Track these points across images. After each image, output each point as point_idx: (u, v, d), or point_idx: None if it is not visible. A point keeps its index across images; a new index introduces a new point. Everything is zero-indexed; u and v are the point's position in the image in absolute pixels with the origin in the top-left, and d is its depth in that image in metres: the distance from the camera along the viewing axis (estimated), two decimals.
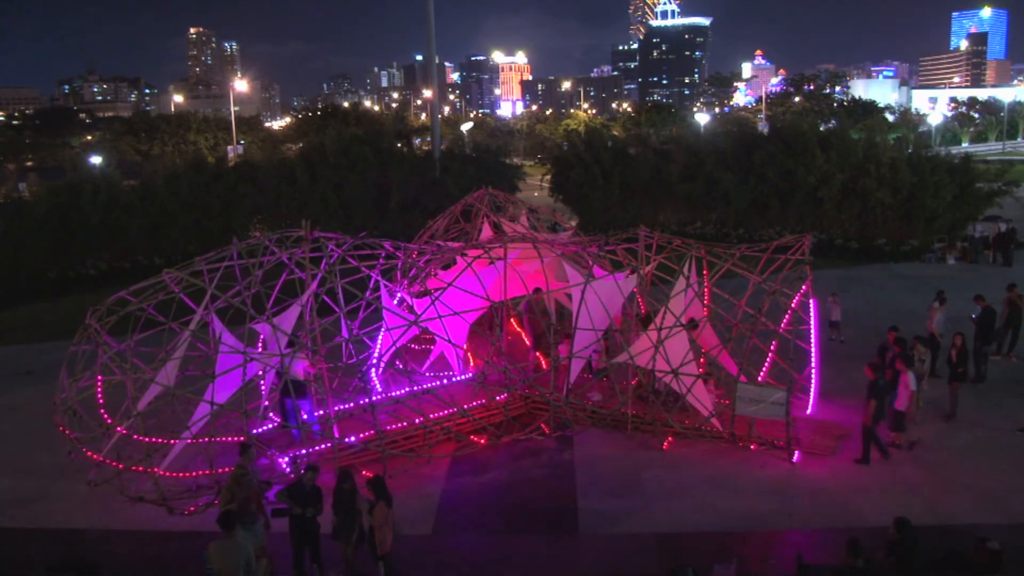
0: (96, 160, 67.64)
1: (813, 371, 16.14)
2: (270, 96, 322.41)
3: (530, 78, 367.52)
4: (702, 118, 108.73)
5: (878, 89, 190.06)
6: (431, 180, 37.74)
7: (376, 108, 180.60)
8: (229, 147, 77.98)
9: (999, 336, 19.48)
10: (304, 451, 14.49)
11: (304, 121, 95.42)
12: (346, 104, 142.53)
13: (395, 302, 17.61)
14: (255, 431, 15.09)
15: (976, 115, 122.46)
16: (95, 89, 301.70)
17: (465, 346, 18.41)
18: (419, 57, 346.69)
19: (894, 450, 14.76)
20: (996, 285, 22.95)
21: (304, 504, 11.02)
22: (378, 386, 17.25)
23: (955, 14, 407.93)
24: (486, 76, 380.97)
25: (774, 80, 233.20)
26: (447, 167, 39.59)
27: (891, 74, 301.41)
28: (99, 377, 14.60)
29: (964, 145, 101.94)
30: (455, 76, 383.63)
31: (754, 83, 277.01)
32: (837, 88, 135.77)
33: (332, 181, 36.86)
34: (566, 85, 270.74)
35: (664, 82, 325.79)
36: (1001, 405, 17.05)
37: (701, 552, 11.81)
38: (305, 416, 15.26)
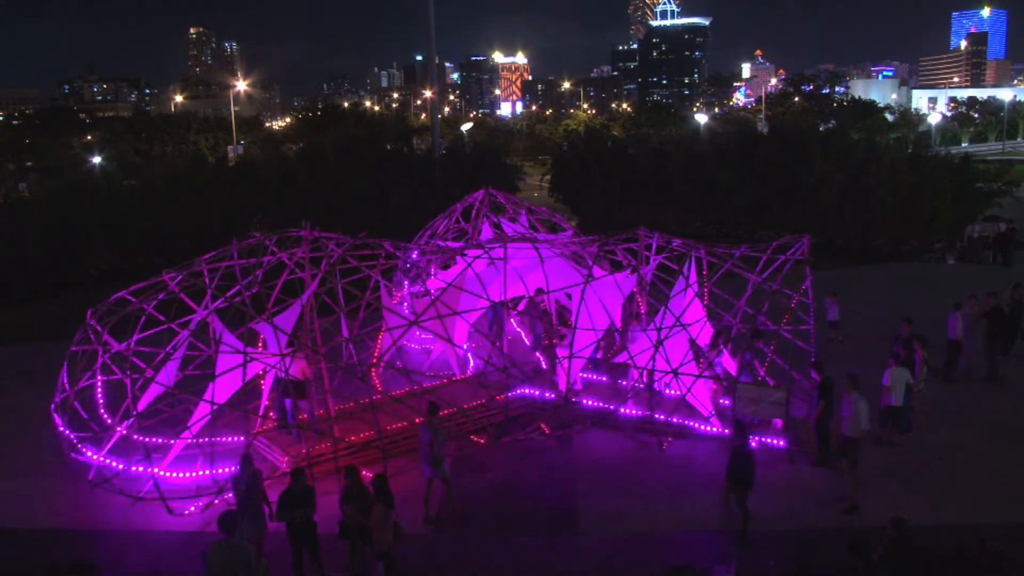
0: (96, 160, 67.81)
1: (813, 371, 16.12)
2: (270, 96, 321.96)
3: (530, 78, 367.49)
4: (701, 118, 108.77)
5: (878, 89, 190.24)
6: (431, 180, 37.76)
7: (376, 108, 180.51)
8: (229, 147, 77.96)
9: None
10: (305, 451, 14.49)
11: (304, 121, 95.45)
12: (346, 104, 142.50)
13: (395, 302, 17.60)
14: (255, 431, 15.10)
15: (976, 115, 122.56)
16: (95, 89, 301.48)
17: (465, 346, 18.41)
18: (419, 57, 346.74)
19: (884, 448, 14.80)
20: (995, 285, 22.92)
21: (294, 507, 11.03)
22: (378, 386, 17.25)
23: (955, 14, 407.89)
24: (486, 76, 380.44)
25: (773, 80, 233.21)
26: (447, 167, 39.62)
27: (891, 74, 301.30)
28: (99, 377, 14.59)
29: (964, 145, 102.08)
30: (455, 76, 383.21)
31: (754, 83, 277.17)
32: (837, 88, 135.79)
33: (332, 181, 36.87)
34: (566, 85, 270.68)
35: (664, 82, 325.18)
36: (1000, 404, 17.07)
37: (701, 552, 11.81)
38: (304, 416, 15.25)
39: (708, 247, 17.28)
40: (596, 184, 40.07)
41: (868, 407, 13.32)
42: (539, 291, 18.04)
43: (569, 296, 18.08)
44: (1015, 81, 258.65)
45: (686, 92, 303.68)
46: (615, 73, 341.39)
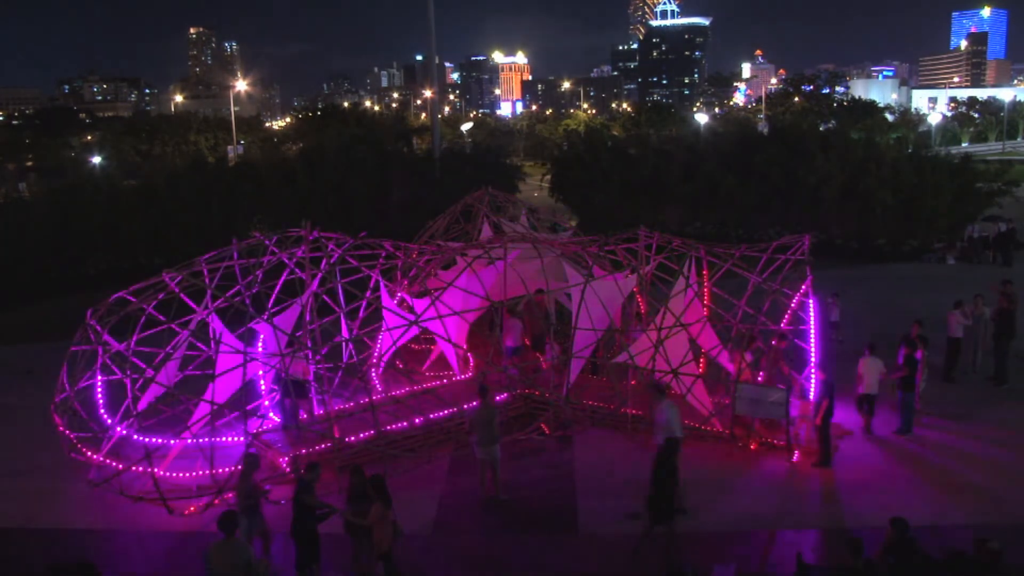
0: (96, 160, 67.84)
1: (813, 371, 16.12)
2: (270, 96, 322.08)
3: (530, 78, 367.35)
4: (702, 118, 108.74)
5: (878, 89, 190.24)
6: (431, 180, 37.77)
7: (376, 108, 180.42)
8: (229, 147, 77.91)
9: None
10: (304, 451, 14.49)
11: (304, 121, 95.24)
12: (346, 104, 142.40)
13: (395, 302, 17.59)
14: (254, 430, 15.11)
15: (976, 115, 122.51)
16: (95, 89, 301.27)
17: (465, 346, 18.40)
18: (419, 57, 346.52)
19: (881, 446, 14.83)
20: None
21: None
22: (378, 386, 17.24)
23: (955, 14, 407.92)
24: (486, 76, 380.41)
25: (774, 80, 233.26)
26: (447, 167, 39.61)
27: (891, 74, 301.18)
28: (99, 377, 14.59)
29: (964, 145, 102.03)
30: (455, 76, 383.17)
31: (754, 83, 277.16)
32: (837, 88, 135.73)
33: (332, 181, 36.83)
34: (566, 85, 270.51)
35: (664, 82, 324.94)
36: (1001, 404, 17.09)
37: (701, 552, 11.81)
38: (305, 416, 15.26)
39: (708, 247, 17.28)
40: (596, 184, 40.03)
41: (679, 415, 13.51)
42: (540, 291, 18.03)
43: (569, 296, 18.07)
44: (1015, 81, 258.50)
45: (686, 92, 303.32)
46: (615, 73, 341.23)
